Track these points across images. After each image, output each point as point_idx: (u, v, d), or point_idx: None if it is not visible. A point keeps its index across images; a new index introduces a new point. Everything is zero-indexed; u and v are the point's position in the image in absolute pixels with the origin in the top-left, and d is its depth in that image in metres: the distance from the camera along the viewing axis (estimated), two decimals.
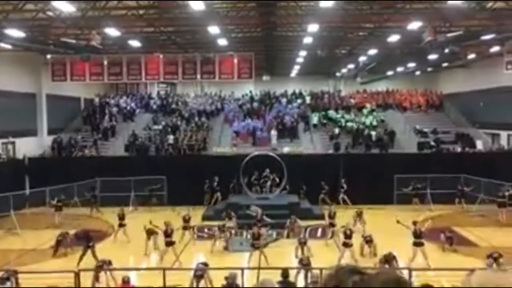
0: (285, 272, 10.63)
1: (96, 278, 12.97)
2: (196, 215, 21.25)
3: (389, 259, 13.12)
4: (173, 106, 33.42)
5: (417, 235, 14.65)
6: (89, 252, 15.13)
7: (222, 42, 23.13)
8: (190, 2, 16.68)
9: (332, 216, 18.41)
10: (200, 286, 12.19)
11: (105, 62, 24.40)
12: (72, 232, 17.72)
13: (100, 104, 33.37)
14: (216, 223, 18.71)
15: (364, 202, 21.85)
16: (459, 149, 27.30)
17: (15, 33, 18.85)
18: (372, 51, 27.44)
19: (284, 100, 33.85)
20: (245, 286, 10.93)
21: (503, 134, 27.33)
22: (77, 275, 11.77)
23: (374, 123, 29.93)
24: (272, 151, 25.81)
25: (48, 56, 25.27)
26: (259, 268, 13.77)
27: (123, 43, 24.31)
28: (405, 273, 10.92)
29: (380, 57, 29.05)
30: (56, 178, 23.47)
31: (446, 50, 20.51)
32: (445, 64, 31.01)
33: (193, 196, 23.23)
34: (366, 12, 20.40)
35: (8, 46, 22.30)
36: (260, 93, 35.25)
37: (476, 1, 17.91)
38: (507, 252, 13.73)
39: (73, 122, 31.28)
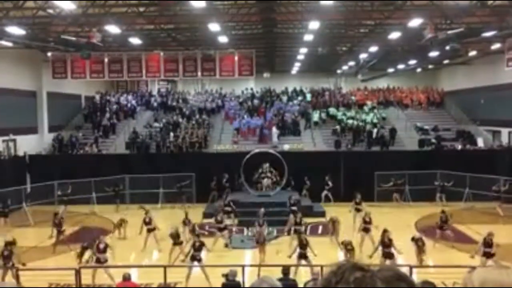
0: (285, 269, 10.64)
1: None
2: (198, 212, 21.33)
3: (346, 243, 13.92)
4: (174, 103, 33.42)
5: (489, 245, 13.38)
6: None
7: (223, 39, 23.11)
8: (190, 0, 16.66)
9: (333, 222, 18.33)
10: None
11: (106, 60, 24.41)
12: (74, 228, 17.76)
13: (100, 101, 33.38)
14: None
15: (366, 199, 21.88)
16: (460, 147, 27.31)
17: (15, 30, 18.83)
18: (373, 48, 27.41)
19: (284, 98, 33.84)
20: (245, 283, 10.94)
21: (504, 131, 27.31)
22: (77, 272, 11.78)
23: (375, 120, 29.92)
24: (273, 148, 25.82)
25: (49, 54, 25.28)
26: (259, 265, 13.78)
27: (124, 41, 24.28)
28: (404, 270, 10.92)
29: (381, 54, 29.02)
30: (57, 176, 23.52)
31: (447, 47, 20.49)
32: (446, 61, 30.96)
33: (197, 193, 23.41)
34: (367, 9, 20.35)
35: (9, 44, 22.30)
36: (260, 90, 35.24)
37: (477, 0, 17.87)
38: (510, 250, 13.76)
39: (73, 120, 31.32)
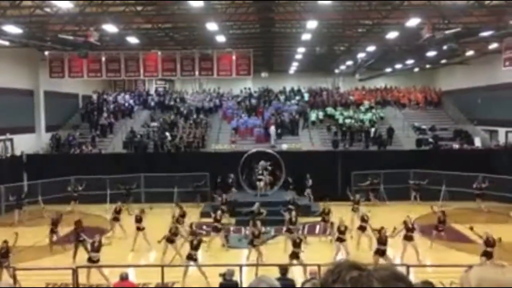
0: (283, 269, 10.63)
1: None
2: (196, 212, 21.34)
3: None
4: (171, 103, 33.38)
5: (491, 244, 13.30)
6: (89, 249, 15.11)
7: (220, 38, 23.09)
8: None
9: (327, 213, 18.39)
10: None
11: (103, 59, 24.37)
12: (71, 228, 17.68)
13: (98, 101, 33.32)
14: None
15: (365, 199, 21.97)
16: (457, 146, 27.37)
17: (12, 29, 18.79)
18: (371, 48, 27.44)
19: (282, 97, 33.85)
20: (243, 282, 10.93)
21: (501, 131, 27.37)
22: (74, 271, 11.76)
23: (374, 119, 29.97)
24: (271, 148, 25.82)
25: (46, 53, 25.20)
26: (257, 265, 13.78)
27: (121, 40, 24.24)
28: (401, 269, 10.93)
29: (378, 54, 29.06)
30: (55, 175, 23.46)
31: (445, 47, 20.51)
32: (443, 61, 31.02)
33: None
34: (364, 9, 20.36)
35: (6, 43, 22.25)
36: (258, 90, 35.23)
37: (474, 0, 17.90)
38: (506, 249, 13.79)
39: (71, 119, 31.25)
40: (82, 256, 14.88)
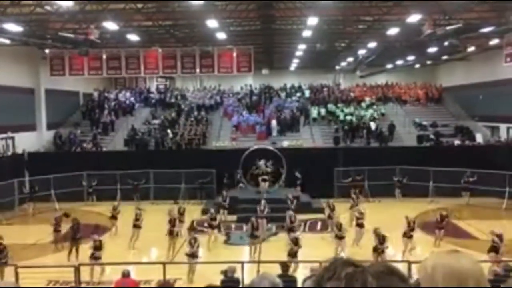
0: (285, 266, 10.66)
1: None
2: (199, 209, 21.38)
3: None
4: (172, 100, 33.38)
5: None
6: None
7: (221, 35, 23.06)
8: None
9: (332, 209, 18.41)
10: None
11: (104, 56, 24.36)
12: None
13: (99, 98, 33.33)
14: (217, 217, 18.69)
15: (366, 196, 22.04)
16: (458, 142, 27.34)
17: (13, 27, 18.78)
18: (372, 44, 27.37)
19: (283, 94, 33.82)
20: (244, 279, 10.95)
21: (503, 127, 27.35)
22: (77, 269, 11.79)
23: (375, 115, 29.96)
24: (272, 145, 25.81)
25: (47, 51, 25.21)
26: (258, 261, 13.80)
27: (122, 37, 24.20)
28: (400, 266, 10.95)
29: (379, 50, 28.97)
30: (57, 173, 23.50)
31: (446, 43, 20.48)
32: (444, 57, 30.95)
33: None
34: (365, 5, 20.31)
35: (6, 41, 22.23)
36: (259, 87, 35.21)
37: None
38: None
39: (72, 117, 31.26)
40: (84, 254, 14.96)
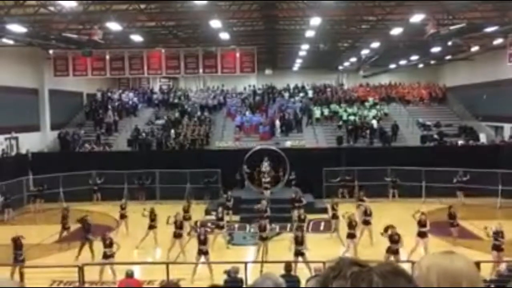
0: (288, 266, 10.65)
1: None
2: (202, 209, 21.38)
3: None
4: (176, 100, 33.42)
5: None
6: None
7: (224, 36, 23.07)
8: None
9: (335, 208, 18.37)
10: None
11: (107, 57, 24.41)
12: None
13: (102, 99, 33.40)
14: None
15: (367, 196, 21.89)
16: (462, 142, 27.26)
17: (17, 28, 18.83)
18: (375, 44, 27.31)
19: (286, 94, 33.81)
20: (247, 279, 10.96)
21: (507, 127, 27.26)
22: (81, 269, 11.82)
23: (379, 115, 29.91)
24: (275, 145, 25.81)
25: (50, 51, 25.27)
26: (262, 262, 13.80)
27: (125, 38, 24.27)
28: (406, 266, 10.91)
29: (382, 50, 28.92)
30: (61, 173, 23.57)
31: (449, 43, 20.42)
32: (448, 57, 30.87)
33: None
34: (368, 5, 20.29)
35: (10, 42, 22.31)
36: (262, 87, 35.22)
37: None
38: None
39: (76, 117, 31.34)
40: (86, 255, 14.99)
